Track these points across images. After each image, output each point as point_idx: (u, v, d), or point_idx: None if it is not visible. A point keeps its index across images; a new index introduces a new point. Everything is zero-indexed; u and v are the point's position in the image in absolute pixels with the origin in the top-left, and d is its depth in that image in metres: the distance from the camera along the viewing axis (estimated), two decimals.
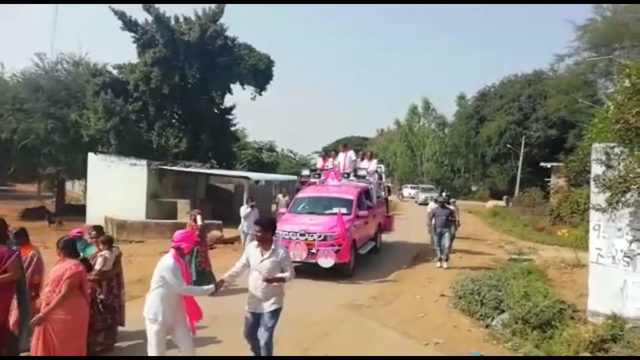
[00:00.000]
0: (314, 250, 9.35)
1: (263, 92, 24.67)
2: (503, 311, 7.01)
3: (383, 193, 13.28)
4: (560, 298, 7.37)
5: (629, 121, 5.93)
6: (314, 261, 9.27)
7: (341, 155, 12.74)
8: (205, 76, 22.21)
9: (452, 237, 11.50)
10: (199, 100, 22.38)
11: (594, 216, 6.58)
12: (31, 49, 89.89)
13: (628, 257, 6.29)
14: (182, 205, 17.63)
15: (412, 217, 23.11)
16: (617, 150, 6.32)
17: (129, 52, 56.90)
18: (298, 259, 9.09)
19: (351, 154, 12.72)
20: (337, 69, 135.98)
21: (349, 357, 5.72)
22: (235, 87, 24.16)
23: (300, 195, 11.42)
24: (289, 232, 9.57)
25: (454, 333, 6.78)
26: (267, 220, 4.79)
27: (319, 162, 13.48)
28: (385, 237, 13.58)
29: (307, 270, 9.29)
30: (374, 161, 13.13)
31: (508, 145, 40.10)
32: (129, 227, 16.39)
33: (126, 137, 20.71)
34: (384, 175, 13.80)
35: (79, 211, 21.01)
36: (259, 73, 23.61)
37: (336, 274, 9.52)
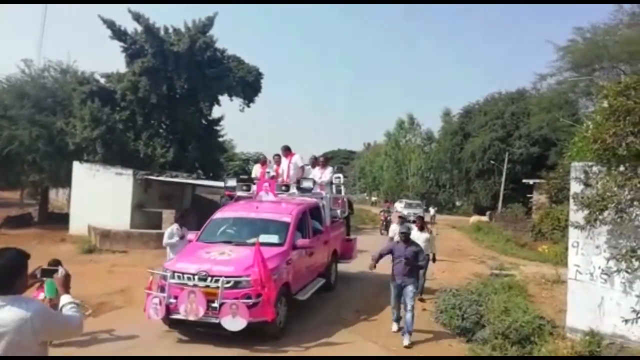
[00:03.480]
0: (216, 304, 6.29)
1: (251, 104, 24.65)
2: (484, 326, 7.04)
3: (340, 211, 10.44)
4: (540, 314, 7.42)
5: (607, 141, 6.07)
6: (217, 321, 6.23)
7: (284, 161, 10.02)
8: (193, 87, 22.17)
9: (419, 287, 8.59)
10: (186, 110, 22.31)
11: (573, 233, 6.68)
12: (17, 55, 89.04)
13: (605, 274, 6.38)
14: (168, 215, 17.47)
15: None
16: (595, 169, 6.45)
17: (118, 61, 56.73)
18: (192, 318, 6.30)
19: (297, 159, 10.03)
20: (325, 82, 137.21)
21: (346, 357, 5.77)
22: (224, 98, 24.14)
23: (216, 215, 8.39)
24: (182, 273, 6.58)
25: (435, 347, 6.78)
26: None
27: (256, 170, 10.90)
28: (346, 267, 11.08)
29: (208, 334, 6.45)
30: (329, 169, 10.29)
31: (492, 162, 40.68)
32: (113, 236, 16.19)
33: (112, 146, 20.50)
34: (343, 188, 10.99)
35: (62, 220, 20.71)
36: (248, 85, 23.62)
37: (255, 335, 6.50)
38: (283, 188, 9.46)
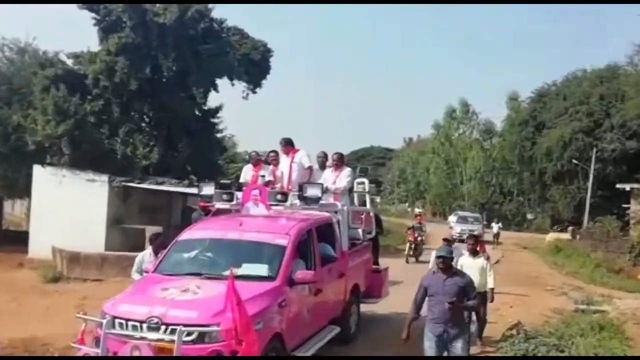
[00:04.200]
0: None
1: (258, 89, 24.95)
2: None
3: (363, 230, 9.88)
4: None
5: None
6: None
7: (284, 161, 9.72)
8: (184, 68, 22.56)
9: (478, 333, 8.72)
10: (175, 99, 22.70)
11: None
12: None
13: None
14: (152, 232, 17.74)
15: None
16: None
17: (89, 37, 57.86)
18: None
19: (302, 157, 9.63)
20: (352, 63, 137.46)
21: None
22: (223, 82, 24.52)
23: (183, 236, 7.92)
24: (126, 320, 6.02)
25: None
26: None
27: (246, 172, 10.54)
28: (374, 308, 10.43)
29: None
30: (347, 171, 9.77)
31: (574, 161, 40.00)
32: (84, 260, 16.48)
33: (82, 145, 20.91)
34: (368, 198, 10.73)
35: (20, 239, 21.05)
36: (253, 65, 23.94)
37: None
38: (279, 197, 8.76)
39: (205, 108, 24.78)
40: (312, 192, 8.70)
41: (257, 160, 10.43)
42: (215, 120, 25.23)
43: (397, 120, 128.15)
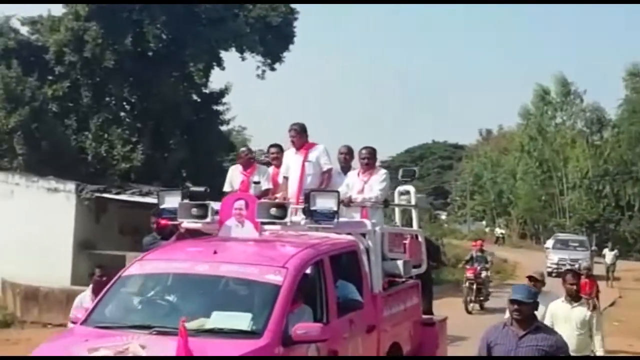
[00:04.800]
0: None
1: (277, 65, 25.24)
2: None
3: (407, 263, 9.43)
4: None
5: None
6: None
7: (293, 160, 9.64)
8: (177, 38, 22.89)
9: None
10: (166, 79, 23.04)
11: None
12: None
13: None
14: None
15: None
16: None
17: None
18: None
19: (319, 154, 9.52)
20: (406, 28, 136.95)
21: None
22: (230, 56, 24.88)
23: (131, 270, 7.77)
24: None
25: None
26: None
27: (232, 177, 10.44)
28: None
29: None
30: (381, 174, 9.56)
31: None
32: (44, 298, 16.65)
33: (42, 143, 21.23)
34: (416, 214, 10.63)
35: None
36: (271, 31, 24.14)
37: None
38: (275, 212, 8.04)
39: (206, 91, 25.13)
40: (323, 203, 7.99)
41: (249, 160, 10.25)
42: (220, 108, 25.52)
43: (468, 105, 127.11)
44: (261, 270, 7.02)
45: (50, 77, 22.38)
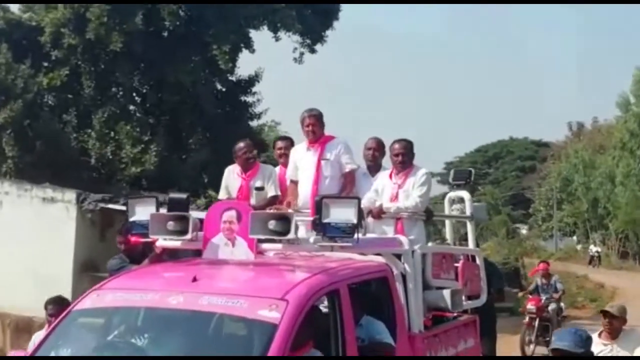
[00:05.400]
0: None
1: (319, 46, 25.30)
2: None
3: (458, 293, 9.12)
4: None
5: None
6: None
7: (305, 156, 9.44)
8: (197, 15, 23.02)
9: None
10: (184, 65, 23.12)
11: None
12: None
13: None
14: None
15: None
16: None
17: None
18: None
19: (340, 149, 9.30)
20: (479, 11, 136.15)
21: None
22: (261, 36, 24.98)
23: (85, 304, 7.46)
24: None
25: None
26: None
27: (228, 181, 10.40)
28: None
29: None
30: (420, 176, 9.16)
31: None
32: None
33: (36, 143, 21.50)
34: (471, 228, 10.39)
35: None
36: (311, 5, 24.29)
37: None
38: (273, 226, 7.37)
39: (233, 79, 25.24)
40: (339, 214, 7.34)
41: (248, 159, 9.86)
42: (249, 99, 25.61)
43: (555, 95, 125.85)
44: (252, 303, 6.54)
45: (46, 64, 22.68)
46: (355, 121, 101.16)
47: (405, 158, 8.96)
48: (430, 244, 9.19)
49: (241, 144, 9.93)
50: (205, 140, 23.33)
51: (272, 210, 7.92)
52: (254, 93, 25.47)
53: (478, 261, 9.75)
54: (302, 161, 9.22)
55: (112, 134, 22.38)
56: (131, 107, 24.05)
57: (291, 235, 7.31)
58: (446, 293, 8.60)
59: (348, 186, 9.06)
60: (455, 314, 9.13)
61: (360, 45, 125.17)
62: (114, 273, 8.74)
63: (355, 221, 7.11)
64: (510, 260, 30.82)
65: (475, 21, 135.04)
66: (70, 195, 19.18)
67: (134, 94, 24.30)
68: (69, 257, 18.90)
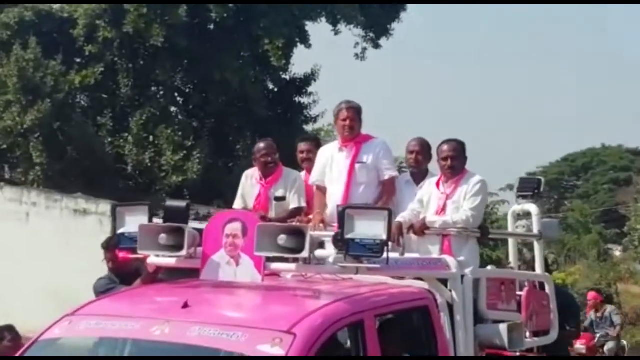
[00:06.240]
0: None
1: (383, 41, 25.30)
2: None
3: (519, 327, 8.72)
4: None
5: None
6: None
7: (336, 157, 9.10)
8: (248, 6, 23.04)
9: None
10: (231, 62, 23.21)
11: None
12: None
13: None
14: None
15: None
16: None
17: None
18: None
19: (380, 152, 8.99)
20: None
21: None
22: (319, 29, 25.17)
23: (54, 332, 7.08)
24: None
25: None
26: None
27: (245, 189, 9.84)
28: None
29: None
30: (474, 185, 8.66)
31: None
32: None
33: (67, 148, 21.68)
34: (539, 248, 9.78)
35: None
36: None
37: None
38: (284, 241, 6.86)
39: (286, 78, 25.29)
40: (365, 228, 6.90)
41: (267, 163, 9.38)
42: (305, 100, 25.61)
43: None
44: (252, 337, 6.12)
45: (78, 60, 22.89)
46: (423, 125, 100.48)
47: (455, 162, 8.32)
48: (490, 267, 8.71)
49: (261, 145, 9.48)
50: (254, 146, 23.26)
51: (275, 223, 7.45)
52: (310, 94, 25.44)
53: (548, 290, 9.26)
54: (332, 164, 8.78)
55: (151, 138, 22.49)
56: (172, 109, 24.17)
57: (305, 254, 6.76)
58: (502, 328, 8.11)
59: (385, 196, 8.63)
60: (517, 354, 8.65)
61: (432, 39, 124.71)
62: (102, 293, 8.35)
63: (384, 237, 6.55)
64: (602, 286, 30.18)
65: (564, 16, 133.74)
66: (105, 206, 19.30)
67: (176, 94, 24.43)
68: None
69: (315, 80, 25.40)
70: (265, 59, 24.04)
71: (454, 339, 7.44)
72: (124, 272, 8.49)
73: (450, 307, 7.49)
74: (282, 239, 6.62)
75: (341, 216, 6.68)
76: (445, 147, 8.33)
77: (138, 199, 19.94)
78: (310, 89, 25.48)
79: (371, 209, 7.23)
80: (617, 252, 66.36)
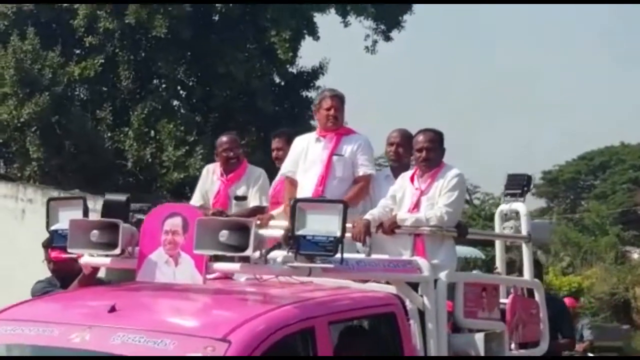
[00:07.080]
0: None
1: (395, 33, 25.17)
2: None
3: (497, 338, 8.51)
4: None
5: None
6: None
7: (312, 148, 8.94)
8: None
9: None
10: (236, 54, 23.13)
11: None
12: None
13: None
14: None
15: None
16: None
17: None
18: None
19: (359, 146, 8.76)
20: None
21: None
22: (328, 21, 24.96)
23: None
24: None
25: None
26: None
27: (205, 183, 9.60)
28: None
29: None
30: (450, 179, 7.83)
31: None
32: None
33: (64, 142, 21.60)
34: (527, 251, 9.49)
35: None
36: None
37: None
38: (225, 238, 6.45)
39: (294, 71, 25.17)
40: (316, 223, 6.51)
41: (229, 158, 9.17)
42: (312, 95, 24.95)
43: None
44: (181, 344, 5.76)
45: (78, 52, 22.80)
46: (435, 120, 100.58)
47: (431, 154, 7.83)
48: (477, 272, 8.49)
49: (223, 138, 9.18)
50: (260, 141, 22.99)
51: (213, 217, 7.12)
52: (318, 88, 25.00)
53: (537, 297, 8.87)
54: (307, 153, 8.52)
55: (153, 133, 22.45)
56: (175, 103, 24.08)
57: (249, 252, 6.32)
58: (478, 337, 7.78)
59: (351, 192, 8.28)
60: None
61: (446, 32, 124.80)
62: (42, 293, 7.94)
63: (338, 233, 6.15)
64: (619, 290, 30.11)
65: (584, 14, 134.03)
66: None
67: (179, 88, 24.30)
68: (101, 275, 18.93)
69: (323, 74, 25.33)
70: (272, 52, 23.97)
71: (425, 350, 7.15)
72: (64, 274, 7.98)
73: (422, 314, 7.17)
74: (223, 234, 6.25)
75: (292, 210, 6.33)
76: (420, 137, 7.90)
77: (138, 196, 20.06)
78: (318, 83, 25.29)
79: (325, 201, 6.93)
80: (635, 254, 66.20)
